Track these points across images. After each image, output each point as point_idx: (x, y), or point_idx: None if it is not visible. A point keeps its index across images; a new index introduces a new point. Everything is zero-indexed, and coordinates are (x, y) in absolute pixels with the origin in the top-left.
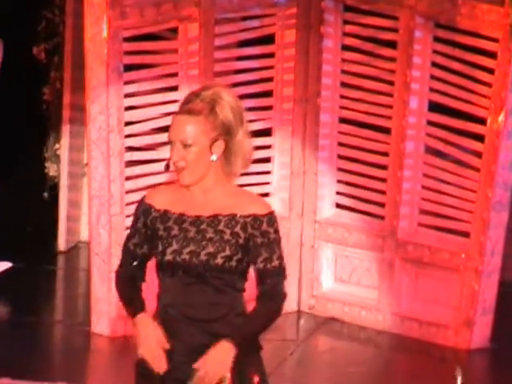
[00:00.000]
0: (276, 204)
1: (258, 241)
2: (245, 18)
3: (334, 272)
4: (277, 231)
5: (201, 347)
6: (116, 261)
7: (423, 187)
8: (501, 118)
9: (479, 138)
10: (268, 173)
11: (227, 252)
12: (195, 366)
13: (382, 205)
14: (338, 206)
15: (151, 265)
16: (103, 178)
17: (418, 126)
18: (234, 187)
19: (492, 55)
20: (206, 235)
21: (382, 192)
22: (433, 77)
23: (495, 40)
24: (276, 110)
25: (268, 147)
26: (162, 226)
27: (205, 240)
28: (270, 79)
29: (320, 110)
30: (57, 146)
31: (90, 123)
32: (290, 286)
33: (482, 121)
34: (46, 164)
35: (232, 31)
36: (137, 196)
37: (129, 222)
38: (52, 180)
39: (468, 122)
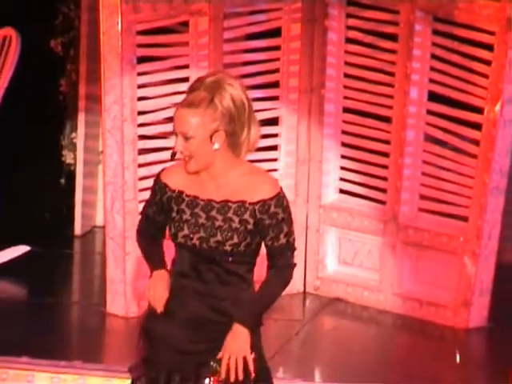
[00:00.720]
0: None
1: (266, 223)
2: (252, 13)
3: (338, 255)
4: (285, 209)
5: (203, 319)
6: (130, 244)
7: (423, 174)
8: (497, 107)
9: (477, 126)
10: (275, 160)
11: (235, 240)
12: (218, 356)
13: (383, 190)
14: (342, 191)
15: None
16: (117, 165)
17: (418, 116)
18: (245, 167)
19: (489, 48)
20: (216, 223)
21: (384, 178)
22: (432, 68)
23: (492, 33)
24: (282, 100)
25: (275, 136)
26: (175, 208)
27: (214, 228)
28: (276, 71)
29: (324, 100)
30: (73, 134)
31: (104, 113)
32: (296, 268)
33: (479, 110)
34: (63, 152)
35: (240, 25)
36: (149, 182)
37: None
38: (68, 167)
39: (466, 111)
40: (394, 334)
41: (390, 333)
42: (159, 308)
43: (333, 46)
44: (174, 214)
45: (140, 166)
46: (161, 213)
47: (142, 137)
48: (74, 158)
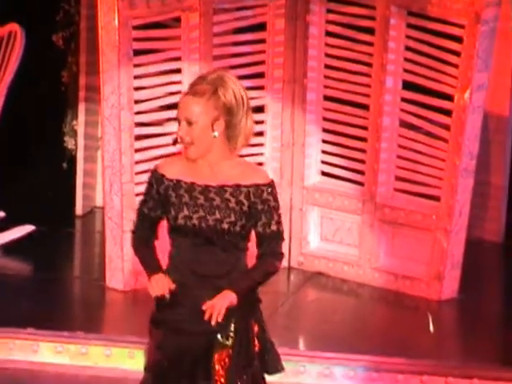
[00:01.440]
0: (269, 173)
1: (258, 207)
2: (239, 8)
3: (320, 232)
4: (276, 199)
5: (206, 301)
6: (127, 223)
7: (398, 157)
8: (467, 95)
9: (448, 112)
10: (261, 145)
11: (232, 218)
12: (235, 331)
13: (362, 173)
14: (324, 173)
15: (163, 226)
16: (115, 150)
17: (394, 103)
18: (237, 160)
19: (458, 39)
20: (214, 203)
21: (362, 161)
22: (406, 59)
23: (461, 26)
24: (268, 89)
25: (261, 122)
26: (174, 194)
27: (212, 207)
28: (262, 62)
29: (307, 90)
30: (74, 122)
31: (103, 102)
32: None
33: (450, 98)
34: (65, 138)
35: (228, 20)
36: (145, 166)
37: (138, 189)
38: (70, 152)
39: (438, 98)
40: (372, 305)
41: (368, 304)
42: (166, 293)
43: (314, 39)
44: (173, 199)
45: (136, 150)
46: (156, 208)
47: (138, 124)
48: (75, 144)
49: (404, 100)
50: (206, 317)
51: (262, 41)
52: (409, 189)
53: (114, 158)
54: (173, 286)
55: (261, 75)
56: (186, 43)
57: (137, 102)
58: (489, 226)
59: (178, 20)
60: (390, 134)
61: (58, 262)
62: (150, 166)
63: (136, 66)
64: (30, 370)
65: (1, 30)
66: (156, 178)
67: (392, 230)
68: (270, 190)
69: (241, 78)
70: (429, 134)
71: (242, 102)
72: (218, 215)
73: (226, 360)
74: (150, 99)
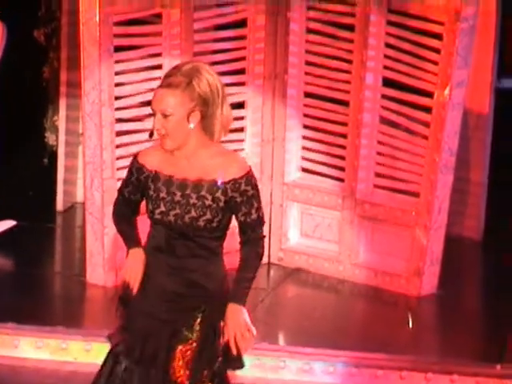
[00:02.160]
0: None
1: (237, 200)
2: (220, 5)
3: (299, 228)
4: (254, 187)
5: (176, 292)
6: (108, 219)
7: (378, 153)
8: (446, 91)
9: (427, 109)
10: (242, 141)
11: (208, 216)
12: (225, 340)
13: (342, 169)
14: (304, 169)
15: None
16: (96, 146)
17: (374, 100)
18: (215, 149)
19: (438, 37)
20: (190, 201)
21: (342, 158)
22: (386, 56)
23: (441, 23)
24: (248, 85)
25: (241, 118)
26: (152, 186)
27: (189, 205)
28: (242, 58)
29: (287, 86)
30: (55, 117)
31: (84, 98)
32: None
33: (429, 94)
34: (46, 134)
35: (209, 16)
36: (126, 162)
37: (119, 184)
38: (51, 148)
39: (417, 95)
40: (352, 301)
41: (347, 300)
42: (134, 287)
43: (295, 35)
44: (151, 192)
45: (117, 146)
46: (136, 192)
47: (119, 120)
48: (56, 140)
49: (384, 97)
50: (235, 352)
51: (243, 37)
52: (388, 185)
53: (95, 153)
54: (141, 275)
55: (242, 71)
56: (166, 39)
57: (118, 98)
58: (468, 222)
59: (158, 16)
60: (370, 131)
61: (38, 257)
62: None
63: (117, 62)
64: (10, 366)
65: None
66: (136, 167)
67: (372, 226)
68: (247, 180)
69: (222, 74)
70: (408, 130)
71: (217, 92)
72: (193, 213)
73: (188, 353)
74: (131, 95)
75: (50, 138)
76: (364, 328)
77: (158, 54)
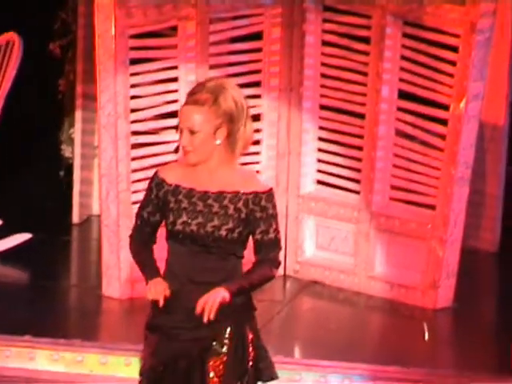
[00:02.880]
0: None
1: (257, 215)
2: (236, 18)
3: (315, 240)
4: (274, 207)
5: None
6: (124, 231)
7: (394, 166)
8: (462, 104)
9: (443, 122)
10: (258, 153)
11: (230, 225)
12: (230, 338)
13: (357, 181)
14: (319, 182)
15: (161, 232)
16: (112, 158)
17: (389, 112)
18: (237, 166)
19: (454, 49)
20: (212, 209)
21: (358, 170)
22: (402, 68)
23: (457, 36)
24: (264, 98)
25: (257, 131)
26: (173, 199)
27: (211, 214)
28: (258, 71)
29: (303, 98)
30: (71, 130)
31: (100, 110)
32: None
33: (445, 107)
34: (62, 146)
35: (224, 29)
36: (141, 174)
37: (135, 197)
38: (67, 161)
39: (433, 108)
40: (368, 313)
41: (363, 313)
42: (161, 300)
43: (310, 48)
44: (171, 205)
45: (133, 159)
46: (156, 212)
47: (135, 132)
48: (72, 152)
49: (400, 109)
50: (198, 311)
51: (259, 50)
52: (404, 198)
53: (111, 166)
54: (168, 292)
55: (257, 84)
56: (182, 52)
57: (133, 110)
58: (484, 235)
59: (174, 29)
60: (386, 143)
61: (54, 270)
62: (147, 174)
63: (132, 74)
64: (26, 378)
65: None
66: (156, 182)
67: (387, 239)
68: (269, 197)
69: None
70: (424, 143)
71: (242, 108)
72: (216, 222)
73: (221, 367)
74: (147, 108)
75: (65, 150)
76: (380, 340)
77: (174, 67)
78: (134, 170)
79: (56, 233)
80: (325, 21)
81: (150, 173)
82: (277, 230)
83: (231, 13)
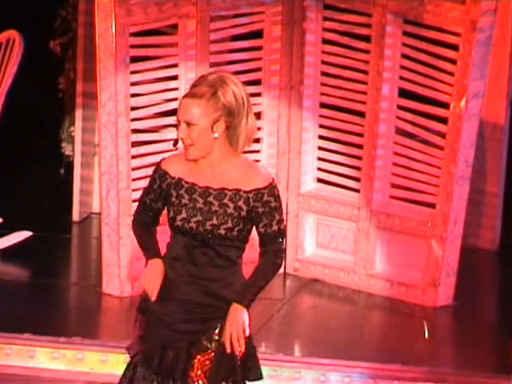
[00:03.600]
0: None
1: (259, 210)
2: (236, 16)
3: (315, 239)
4: (277, 199)
5: (195, 301)
6: (124, 229)
7: (394, 164)
8: (462, 103)
9: (443, 120)
10: (258, 152)
11: (229, 224)
12: (220, 335)
13: (357, 180)
14: (319, 180)
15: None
16: (112, 156)
17: (389, 110)
18: (239, 160)
19: (454, 48)
20: (212, 208)
21: (358, 168)
22: (402, 67)
23: (457, 34)
24: (264, 96)
25: (257, 129)
26: (174, 193)
27: (210, 212)
28: (258, 69)
29: (303, 97)
30: (71, 128)
31: (100, 108)
32: None
33: (445, 105)
34: (62, 144)
35: (225, 27)
36: (142, 172)
37: (135, 195)
38: (67, 158)
39: (433, 106)
40: (368, 312)
41: (363, 311)
42: (153, 296)
43: (310, 46)
44: (173, 199)
45: (133, 157)
46: (158, 200)
47: (135, 130)
48: (73, 150)
49: (400, 107)
50: (229, 350)
51: (259, 48)
52: (404, 196)
53: (111, 164)
54: (158, 287)
55: (257, 82)
56: (182, 50)
57: (133, 108)
58: (484, 233)
59: (174, 27)
60: (386, 141)
61: (54, 267)
62: (147, 172)
63: (133, 72)
64: (26, 376)
65: None
66: (159, 174)
67: (387, 237)
68: (270, 191)
69: None
70: (424, 141)
71: (243, 103)
72: (215, 221)
73: (207, 363)
74: (147, 106)
75: (66, 148)
76: (379, 339)
77: (174, 65)
78: (135, 168)
79: (56, 231)
80: (325, 19)
81: (151, 171)
82: (280, 221)
83: (231, 11)
